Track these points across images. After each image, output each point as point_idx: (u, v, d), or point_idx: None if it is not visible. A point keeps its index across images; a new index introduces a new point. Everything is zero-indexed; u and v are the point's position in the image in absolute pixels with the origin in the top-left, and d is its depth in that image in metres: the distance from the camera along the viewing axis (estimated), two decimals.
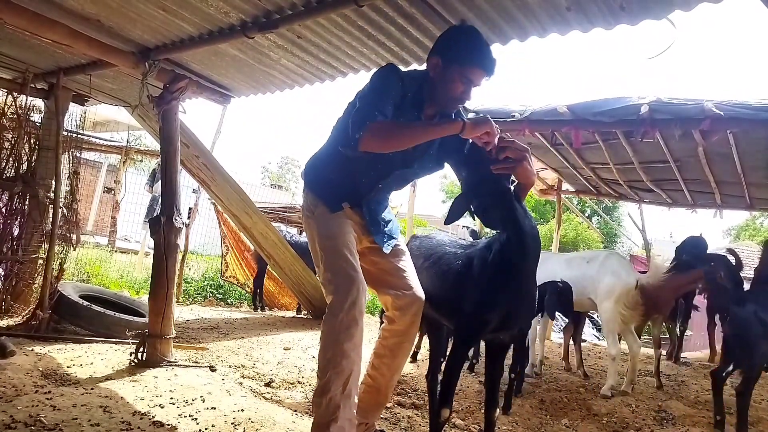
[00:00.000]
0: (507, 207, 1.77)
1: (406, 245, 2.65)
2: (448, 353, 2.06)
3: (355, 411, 1.86)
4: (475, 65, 1.82)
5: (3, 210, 3.93)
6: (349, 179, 2.01)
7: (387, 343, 2.09)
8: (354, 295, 1.80)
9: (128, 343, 3.27)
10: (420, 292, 2.08)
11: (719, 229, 30.39)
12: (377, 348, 2.13)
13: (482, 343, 3.13)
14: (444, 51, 1.86)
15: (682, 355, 5.61)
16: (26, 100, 3.98)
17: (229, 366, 3.38)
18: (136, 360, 3.01)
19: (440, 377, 2.32)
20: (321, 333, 1.85)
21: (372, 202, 2.07)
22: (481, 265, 1.96)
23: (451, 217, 1.89)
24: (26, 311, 3.76)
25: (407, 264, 2.15)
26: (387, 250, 2.09)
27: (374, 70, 2.94)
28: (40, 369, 2.69)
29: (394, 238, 2.14)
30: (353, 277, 1.84)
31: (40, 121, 4.29)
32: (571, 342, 4.67)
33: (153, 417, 2.20)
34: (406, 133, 1.79)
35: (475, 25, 2.34)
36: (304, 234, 4.21)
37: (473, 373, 3.90)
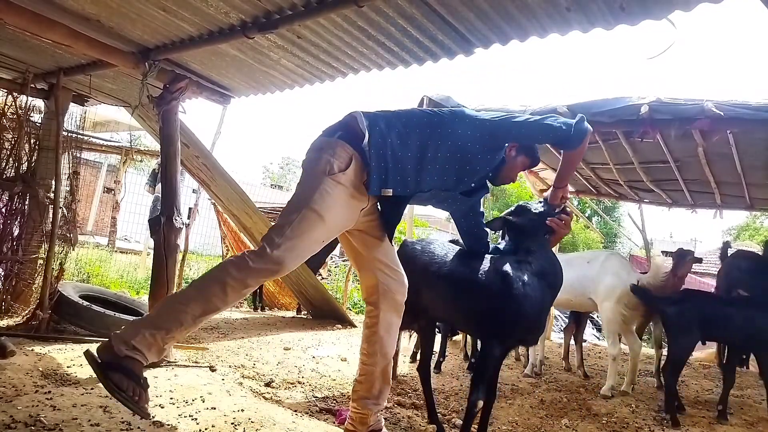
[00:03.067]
0: (542, 243, 2.30)
1: (399, 251, 2.67)
2: (478, 355, 2.34)
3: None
4: (536, 163, 2.33)
5: (3, 210, 3.93)
6: (417, 169, 2.01)
7: (377, 329, 2.12)
8: (269, 275, 1.87)
9: None
10: (405, 278, 2.20)
11: (719, 229, 30.41)
12: (368, 336, 2.14)
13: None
14: None
15: None
16: (26, 100, 3.98)
17: (229, 366, 3.38)
18: None
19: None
20: (226, 262, 1.87)
21: (415, 197, 2.12)
22: (521, 282, 2.16)
23: (491, 227, 2.40)
24: (26, 311, 3.76)
25: (394, 250, 2.27)
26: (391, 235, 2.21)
27: (374, 70, 2.98)
28: (40, 369, 2.69)
29: None
30: (287, 263, 1.83)
31: (40, 121, 4.29)
32: (572, 342, 4.67)
33: (153, 417, 2.20)
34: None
35: (475, 26, 2.35)
36: None
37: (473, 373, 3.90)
